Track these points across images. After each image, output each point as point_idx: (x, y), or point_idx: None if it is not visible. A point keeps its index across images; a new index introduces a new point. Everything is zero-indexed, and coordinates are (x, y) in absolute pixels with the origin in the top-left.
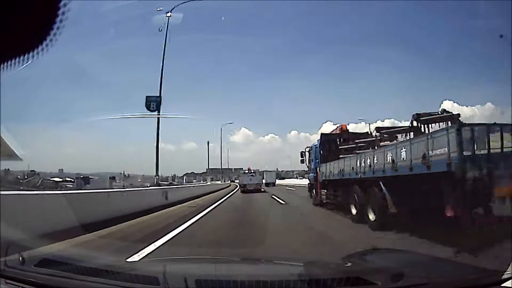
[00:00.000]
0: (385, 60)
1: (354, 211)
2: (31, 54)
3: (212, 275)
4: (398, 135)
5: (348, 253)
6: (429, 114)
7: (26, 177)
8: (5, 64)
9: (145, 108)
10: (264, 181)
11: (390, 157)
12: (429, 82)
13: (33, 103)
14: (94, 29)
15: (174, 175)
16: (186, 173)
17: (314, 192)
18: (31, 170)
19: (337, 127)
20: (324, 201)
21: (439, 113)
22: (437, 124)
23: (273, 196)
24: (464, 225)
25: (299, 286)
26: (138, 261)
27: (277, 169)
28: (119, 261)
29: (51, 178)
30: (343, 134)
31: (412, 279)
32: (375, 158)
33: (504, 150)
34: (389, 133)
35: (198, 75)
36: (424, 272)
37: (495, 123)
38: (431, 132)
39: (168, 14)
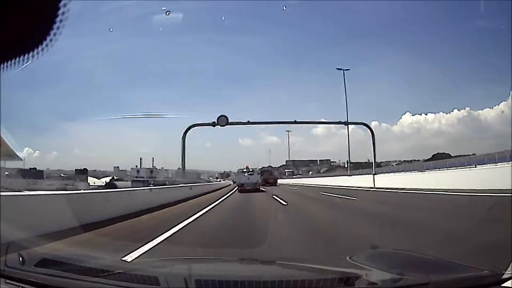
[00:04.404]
0: (460, 48)
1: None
2: (31, 54)
3: (212, 275)
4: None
5: (348, 254)
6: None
7: None
8: (5, 64)
9: None
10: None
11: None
12: (498, 71)
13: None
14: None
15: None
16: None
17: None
18: None
19: (268, 165)
20: (263, 183)
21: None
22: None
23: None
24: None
25: (299, 286)
26: (138, 261)
27: (368, 160)
28: (119, 261)
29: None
30: (268, 168)
31: (412, 279)
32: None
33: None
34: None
35: (273, 69)
36: (424, 272)
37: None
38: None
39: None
